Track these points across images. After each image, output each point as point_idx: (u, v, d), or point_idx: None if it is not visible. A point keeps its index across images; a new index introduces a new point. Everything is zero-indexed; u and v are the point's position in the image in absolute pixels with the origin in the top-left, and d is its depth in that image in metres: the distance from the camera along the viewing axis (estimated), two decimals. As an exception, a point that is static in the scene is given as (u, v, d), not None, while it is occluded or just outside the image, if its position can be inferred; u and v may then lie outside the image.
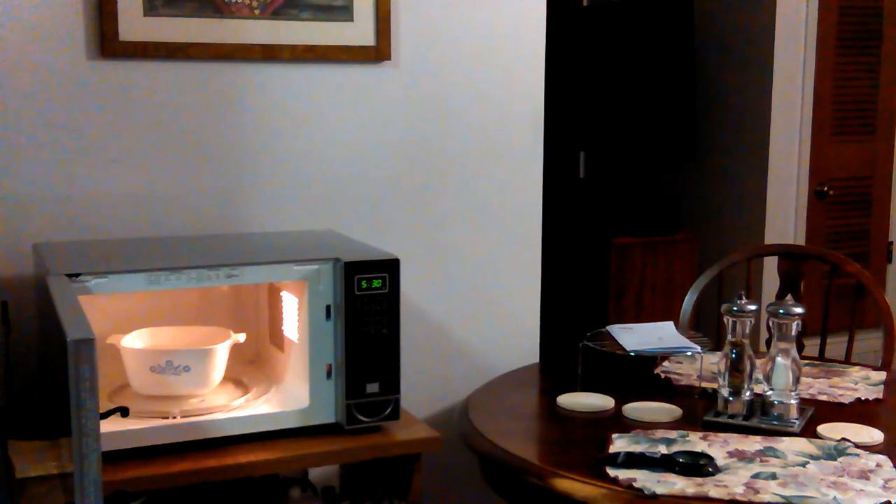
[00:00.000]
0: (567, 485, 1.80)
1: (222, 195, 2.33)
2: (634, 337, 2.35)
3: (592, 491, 1.76)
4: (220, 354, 2.05)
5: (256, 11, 2.29)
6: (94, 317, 1.51)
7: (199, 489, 1.94)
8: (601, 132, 3.95)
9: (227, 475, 1.87)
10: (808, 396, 2.22)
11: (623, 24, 3.95)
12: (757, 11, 3.90)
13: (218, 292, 2.27)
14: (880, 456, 1.87)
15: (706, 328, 2.91)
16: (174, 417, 1.94)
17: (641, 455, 1.83)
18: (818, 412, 2.12)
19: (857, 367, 2.51)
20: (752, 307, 2.06)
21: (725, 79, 4.05)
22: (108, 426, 1.74)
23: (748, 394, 2.06)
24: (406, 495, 2.07)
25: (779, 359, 2.03)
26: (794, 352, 2.04)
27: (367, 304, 1.97)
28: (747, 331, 2.06)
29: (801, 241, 4.00)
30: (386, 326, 1.99)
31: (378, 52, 2.41)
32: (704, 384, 2.27)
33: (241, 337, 2.12)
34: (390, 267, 1.99)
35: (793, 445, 1.92)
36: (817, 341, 2.81)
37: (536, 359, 2.71)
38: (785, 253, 2.86)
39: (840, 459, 1.86)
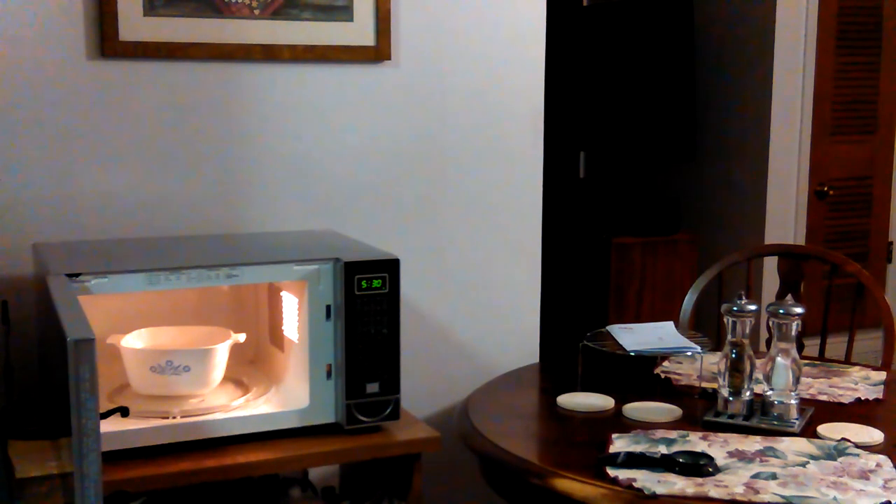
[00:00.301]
0: (567, 485, 1.80)
1: (222, 195, 2.33)
2: (634, 337, 2.35)
3: (592, 491, 1.76)
4: (220, 354, 2.05)
5: (256, 11, 2.29)
6: (94, 317, 1.51)
7: (199, 489, 1.94)
8: (601, 132, 3.95)
9: (226, 475, 1.87)
10: (808, 396, 2.22)
11: (623, 24, 3.95)
12: (757, 12, 3.90)
13: (218, 292, 2.26)
14: (880, 456, 1.87)
15: (706, 328, 2.91)
16: (174, 417, 1.94)
17: (641, 455, 1.82)
18: (818, 412, 2.12)
19: (857, 367, 2.50)
20: (752, 307, 2.06)
21: (725, 79, 4.05)
22: (108, 426, 1.74)
23: (748, 394, 2.06)
24: (406, 495, 2.07)
25: (779, 359, 2.03)
26: (794, 352, 2.03)
27: (367, 304, 1.97)
28: (747, 331, 2.06)
29: (801, 242, 3.99)
30: (386, 326, 1.99)
31: (378, 52, 2.41)
32: (704, 384, 2.27)
33: (241, 337, 2.12)
34: (390, 267, 1.99)
35: (793, 445, 1.92)
36: (817, 341, 2.81)
37: (536, 359, 2.71)
38: (785, 253, 2.86)
39: (840, 459, 1.85)
